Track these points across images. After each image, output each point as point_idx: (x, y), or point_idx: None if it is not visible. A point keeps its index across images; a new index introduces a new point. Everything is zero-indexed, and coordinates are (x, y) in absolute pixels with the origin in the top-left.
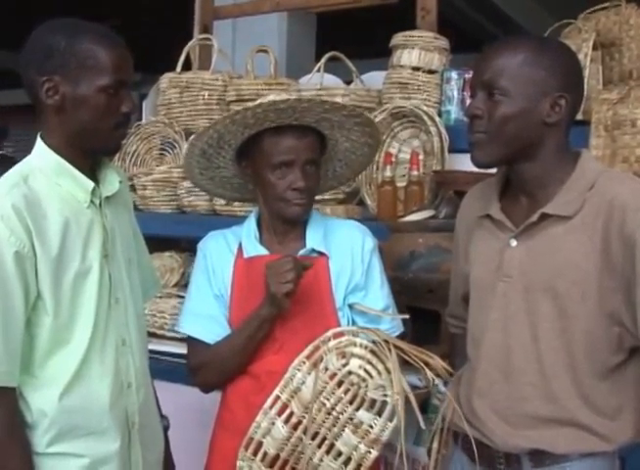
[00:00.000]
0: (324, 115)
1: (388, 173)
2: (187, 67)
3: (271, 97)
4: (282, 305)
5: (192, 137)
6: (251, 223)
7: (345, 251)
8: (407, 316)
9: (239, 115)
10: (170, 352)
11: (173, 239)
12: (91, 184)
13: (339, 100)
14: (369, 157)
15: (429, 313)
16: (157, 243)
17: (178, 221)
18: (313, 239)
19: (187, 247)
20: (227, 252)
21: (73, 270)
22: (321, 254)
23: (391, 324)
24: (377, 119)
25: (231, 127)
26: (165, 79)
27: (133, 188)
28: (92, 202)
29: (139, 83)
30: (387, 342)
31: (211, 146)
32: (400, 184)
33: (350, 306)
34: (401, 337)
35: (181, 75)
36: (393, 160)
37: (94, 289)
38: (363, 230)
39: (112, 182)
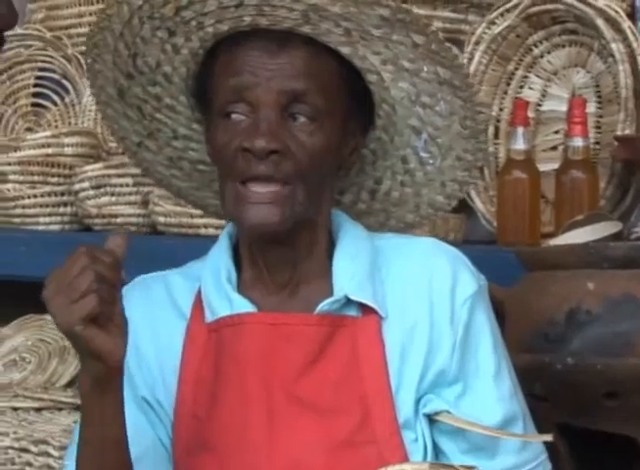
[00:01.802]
0: (301, 0)
1: (519, 145)
2: None
3: None
4: (96, 348)
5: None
6: (221, 253)
7: (418, 301)
8: (550, 438)
9: None
10: None
11: None
12: None
13: None
14: (468, 114)
15: (612, 441)
16: (29, 295)
17: (74, 248)
18: (347, 278)
19: None
20: (171, 313)
21: None
22: (366, 308)
23: (519, 457)
24: (496, 30)
25: (143, 31)
26: None
27: None
28: None
29: None
30: None
31: (130, 76)
32: (547, 166)
33: (431, 419)
34: None
35: None
36: (531, 115)
37: None
38: (454, 258)
39: None
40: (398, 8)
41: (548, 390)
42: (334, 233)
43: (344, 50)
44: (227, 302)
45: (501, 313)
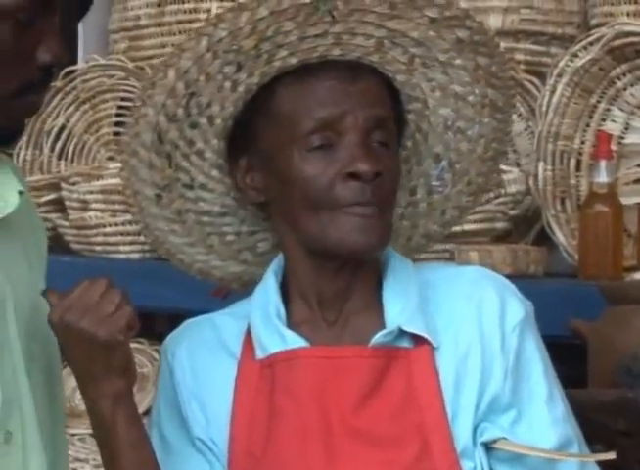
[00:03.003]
0: (385, 27)
1: (602, 178)
2: None
3: None
4: (130, 358)
5: (142, 93)
6: (267, 291)
7: (468, 330)
8: (613, 456)
9: (224, 23)
10: None
11: (144, 315)
12: None
13: (495, 21)
14: (497, 136)
15: None
16: None
17: (154, 277)
18: (399, 309)
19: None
20: (220, 354)
21: None
22: (418, 339)
23: None
24: (579, 63)
25: (212, 67)
26: None
27: (60, 208)
28: None
29: None
30: None
31: (174, 119)
32: (630, 200)
33: (488, 447)
34: None
35: None
36: (615, 148)
37: None
38: (500, 285)
39: (3, 194)
40: (479, 30)
41: (632, 425)
42: (380, 265)
43: (400, 78)
44: (279, 337)
45: (584, 348)
